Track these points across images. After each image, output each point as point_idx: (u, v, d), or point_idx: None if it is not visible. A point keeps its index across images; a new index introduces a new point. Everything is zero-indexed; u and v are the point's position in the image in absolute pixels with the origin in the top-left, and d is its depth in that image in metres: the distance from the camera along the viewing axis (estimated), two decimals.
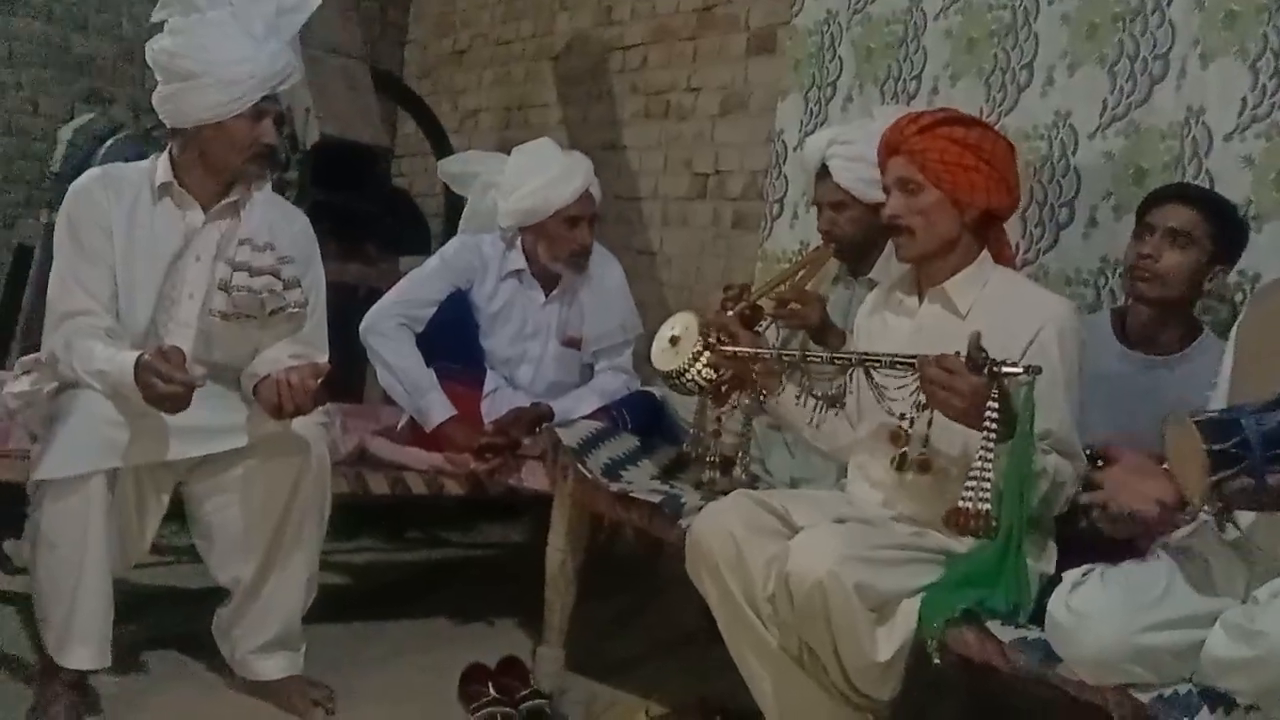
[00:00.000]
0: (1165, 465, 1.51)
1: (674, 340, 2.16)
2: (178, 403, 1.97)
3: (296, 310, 2.22)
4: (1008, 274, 2.05)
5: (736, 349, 2.09)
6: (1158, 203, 2.15)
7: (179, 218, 2.19)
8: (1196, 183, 2.30)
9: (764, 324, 2.42)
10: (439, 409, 2.68)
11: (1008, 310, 1.91)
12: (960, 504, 1.69)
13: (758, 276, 3.14)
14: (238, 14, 2.16)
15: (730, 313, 2.29)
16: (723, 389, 2.17)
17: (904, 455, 1.84)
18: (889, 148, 2.00)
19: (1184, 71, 2.38)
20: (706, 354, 2.09)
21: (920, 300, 2.03)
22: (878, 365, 1.88)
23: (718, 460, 2.31)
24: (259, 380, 2.14)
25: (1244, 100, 2.28)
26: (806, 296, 2.46)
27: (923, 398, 1.78)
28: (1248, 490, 1.37)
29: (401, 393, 2.72)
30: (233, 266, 2.16)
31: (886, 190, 2.02)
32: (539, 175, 2.78)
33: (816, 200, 2.58)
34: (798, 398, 2.11)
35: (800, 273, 2.54)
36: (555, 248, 2.79)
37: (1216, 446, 1.37)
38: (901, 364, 1.82)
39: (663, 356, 2.17)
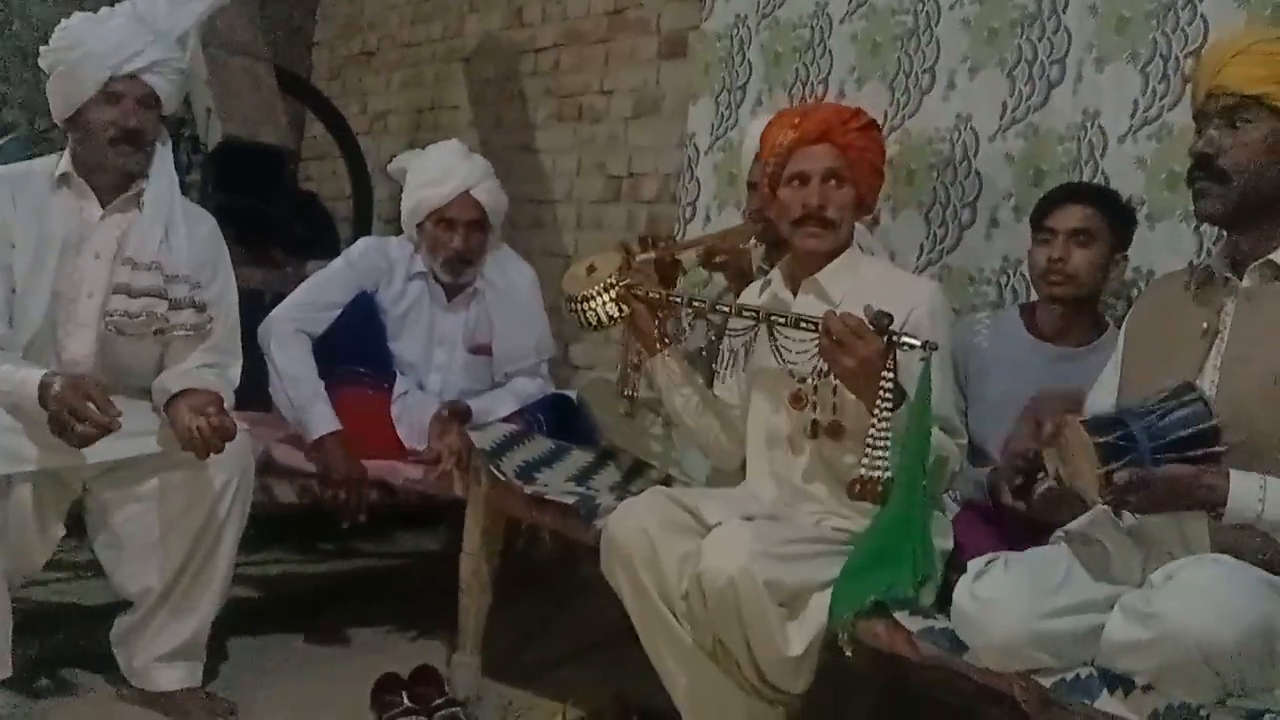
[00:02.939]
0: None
1: (590, 269, 2.15)
2: (85, 441, 1.93)
3: (187, 333, 2.18)
4: (875, 261, 2.11)
5: (648, 290, 2.09)
6: (1054, 206, 2.22)
7: (76, 210, 2.18)
8: (1094, 183, 2.37)
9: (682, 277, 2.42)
10: (322, 422, 2.56)
11: (879, 295, 1.90)
12: (860, 473, 1.73)
13: None
14: (126, 10, 2.18)
15: (648, 254, 2.28)
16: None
17: (815, 423, 1.87)
18: (817, 135, 1.97)
19: (1080, 76, 2.46)
20: (617, 289, 2.09)
21: (795, 293, 2.06)
22: (783, 322, 1.90)
23: (636, 394, 2.27)
24: (169, 399, 2.10)
25: (1136, 103, 2.36)
26: (736, 251, 2.46)
27: (824, 364, 1.80)
28: (1136, 483, 1.43)
29: (285, 402, 2.62)
30: (112, 289, 2.13)
31: (803, 178, 1.98)
32: (420, 175, 2.76)
33: (751, 180, 2.58)
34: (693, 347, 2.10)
35: (723, 239, 2.55)
36: (433, 251, 2.76)
37: (1103, 439, 1.45)
38: (806, 323, 1.85)
39: (574, 281, 2.17)
